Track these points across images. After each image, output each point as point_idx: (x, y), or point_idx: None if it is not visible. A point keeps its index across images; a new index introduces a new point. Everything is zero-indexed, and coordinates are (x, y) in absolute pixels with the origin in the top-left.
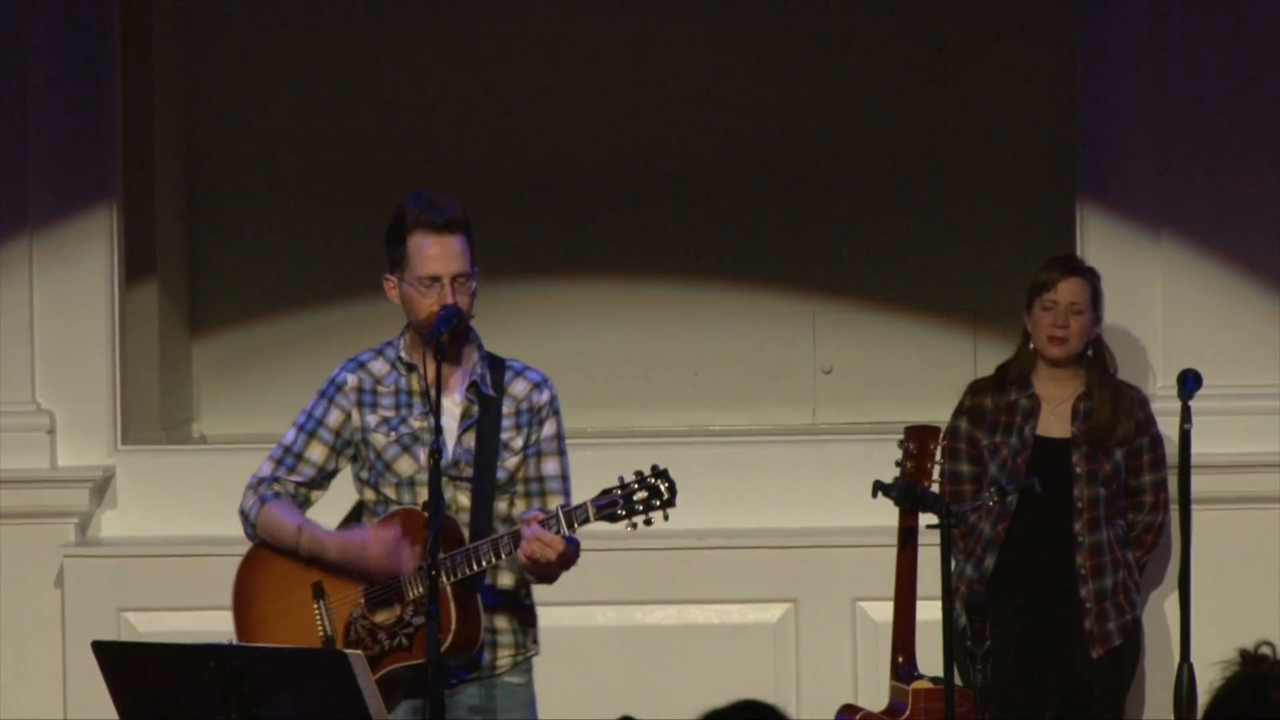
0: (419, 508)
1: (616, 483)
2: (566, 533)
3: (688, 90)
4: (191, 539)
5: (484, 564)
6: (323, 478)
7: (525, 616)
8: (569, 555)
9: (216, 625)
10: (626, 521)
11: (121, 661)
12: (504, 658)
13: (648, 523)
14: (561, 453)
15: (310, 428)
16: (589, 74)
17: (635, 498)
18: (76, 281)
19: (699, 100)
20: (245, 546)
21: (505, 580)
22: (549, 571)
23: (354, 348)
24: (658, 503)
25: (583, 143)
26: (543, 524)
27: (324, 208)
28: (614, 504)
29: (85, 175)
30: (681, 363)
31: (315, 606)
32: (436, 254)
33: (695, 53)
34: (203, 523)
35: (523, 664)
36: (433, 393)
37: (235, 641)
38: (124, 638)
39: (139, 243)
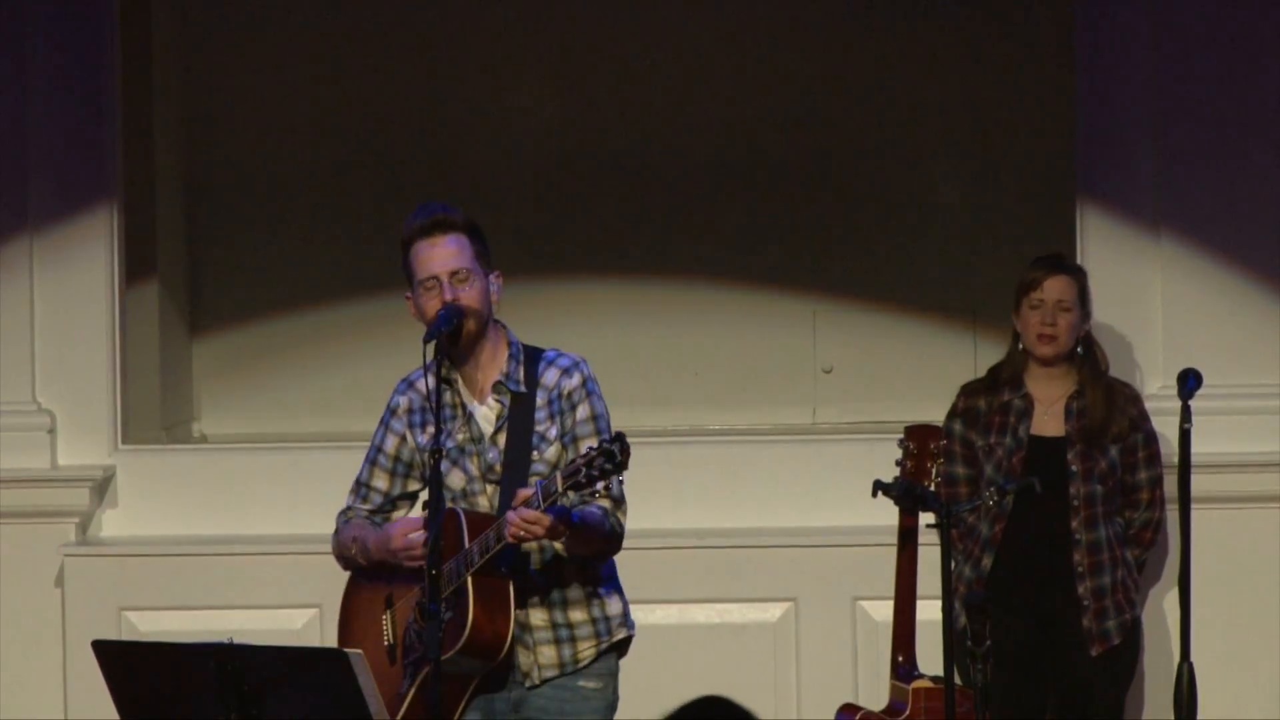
0: (459, 510)
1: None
2: (544, 506)
3: (688, 90)
4: (191, 539)
5: (490, 550)
6: (391, 502)
7: (603, 601)
8: (556, 528)
9: (216, 625)
10: (589, 489)
11: (121, 661)
12: (585, 650)
13: (606, 487)
14: (600, 433)
15: (372, 456)
16: (589, 74)
17: (594, 463)
18: (76, 281)
19: (699, 100)
20: (245, 546)
21: (573, 574)
22: (579, 548)
23: (353, 348)
24: (610, 466)
25: (583, 143)
26: (526, 503)
27: (324, 208)
28: (576, 471)
29: (86, 175)
30: (681, 363)
31: (384, 617)
32: (429, 256)
33: (695, 52)
34: (203, 522)
35: (606, 654)
36: (459, 395)
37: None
38: (124, 637)
39: (139, 243)
